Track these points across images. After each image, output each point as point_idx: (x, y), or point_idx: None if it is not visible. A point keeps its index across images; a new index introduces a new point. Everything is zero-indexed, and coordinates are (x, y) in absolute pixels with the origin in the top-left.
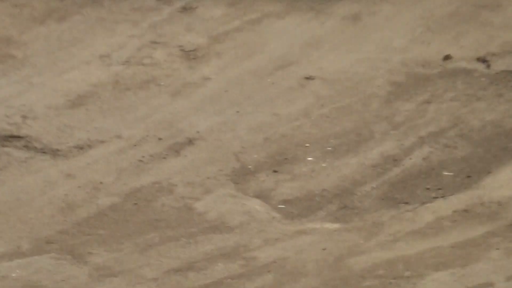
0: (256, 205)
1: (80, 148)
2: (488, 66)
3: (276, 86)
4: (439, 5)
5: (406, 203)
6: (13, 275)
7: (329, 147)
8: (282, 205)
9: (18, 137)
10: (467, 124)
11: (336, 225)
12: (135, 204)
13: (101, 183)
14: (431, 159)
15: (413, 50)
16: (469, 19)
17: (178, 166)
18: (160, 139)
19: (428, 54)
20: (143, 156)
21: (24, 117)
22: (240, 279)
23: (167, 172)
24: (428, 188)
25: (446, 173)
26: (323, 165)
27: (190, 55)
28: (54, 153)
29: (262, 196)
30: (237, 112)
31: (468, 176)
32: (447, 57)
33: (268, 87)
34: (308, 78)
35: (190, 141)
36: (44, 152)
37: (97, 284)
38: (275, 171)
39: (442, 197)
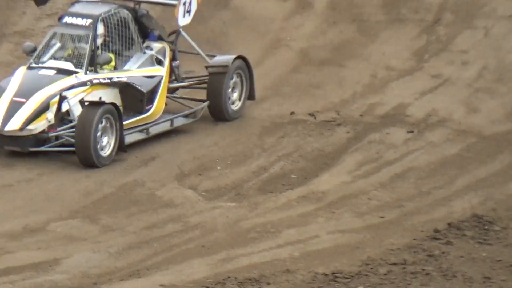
0: (189, 193)
1: None
2: (315, 118)
3: None
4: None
5: (271, 192)
6: (58, 230)
7: (229, 161)
8: (204, 193)
9: None
10: (304, 150)
11: (233, 204)
12: (124, 192)
13: (105, 180)
14: (285, 168)
15: (274, 110)
16: (304, 92)
17: (147, 171)
18: (136, 157)
19: (282, 111)
20: (127, 166)
21: None
22: (181, 233)
23: (141, 175)
24: (283, 184)
25: (293, 176)
26: (226, 171)
27: None
28: None
29: (193, 188)
30: (179, 142)
31: (305, 178)
32: (292, 113)
33: None
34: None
35: (153, 158)
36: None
37: (103, 235)
38: (199, 174)
39: (291, 189)
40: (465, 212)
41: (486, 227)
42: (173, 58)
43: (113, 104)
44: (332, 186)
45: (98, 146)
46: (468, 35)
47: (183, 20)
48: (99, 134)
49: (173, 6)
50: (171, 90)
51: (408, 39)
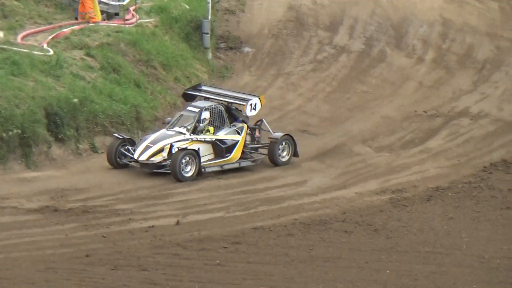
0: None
1: None
2: (426, 113)
3: None
4: None
5: (406, 148)
6: (305, 166)
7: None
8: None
9: None
10: (419, 129)
11: (388, 154)
12: (334, 150)
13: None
14: (412, 137)
15: None
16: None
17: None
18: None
19: None
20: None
21: None
22: (364, 168)
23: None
24: (411, 145)
25: (417, 141)
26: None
27: None
28: None
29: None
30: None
31: (421, 142)
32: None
33: None
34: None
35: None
36: None
37: (327, 169)
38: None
39: (415, 147)
40: (498, 158)
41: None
42: (257, 131)
43: (194, 150)
44: (434, 146)
45: (182, 171)
46: None
47: (250, 113)
48: (183, 165)
49: (243, 105)
50: (253, 149)
51: None
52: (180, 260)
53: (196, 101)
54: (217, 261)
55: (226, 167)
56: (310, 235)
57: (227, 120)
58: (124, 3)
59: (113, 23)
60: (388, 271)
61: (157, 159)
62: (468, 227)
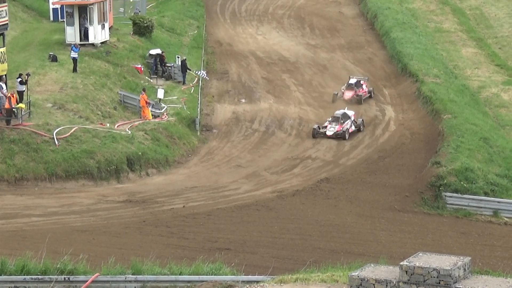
0: None
1: None
2: None
3: None
4: None
5: None
6: None
7: None
8: None
9: None
10: None
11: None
12: None
13: None
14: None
15: None
16: None
17: None
18: None
19: None
20: None
21: None
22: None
23: None
24: None
25: None
26: None
27: None
28: None
29: None
30: None
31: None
32: None
33: None
34: None
35: None
36: None
37: None
38: None
39: None
40: (324, 177)
41: None
42: None
43: None
44: (296, 171)
45: None
46: None
47: None
48: None
49: None
50: None
51: None
52: (184, 222)
53: None
54: (201, 223)
55: None
56: (244, 211)
57: None
58: (162, 111)
59: (156, 120)
60: (276, 227)
61: None
62: (312, 208)
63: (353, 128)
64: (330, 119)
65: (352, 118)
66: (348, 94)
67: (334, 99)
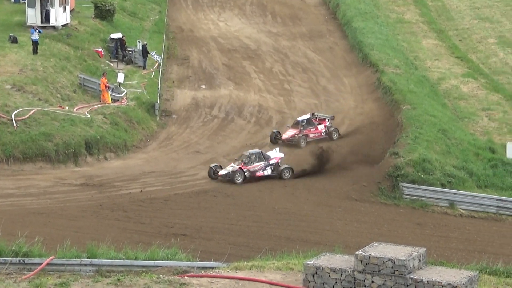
0: None
1: None
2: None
3: None
4: None
5: None
6: None
7: None
8: None
9: None
10: None
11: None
12: None
13: None
14: None
15: None
16: None
17: None
18: None
19: None
20: None
21: None
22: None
23: None
24: None
25: None
26: None
27: None
28: None
29: None
30: None
31: None
32: None
33: None
34: None
35: None
36: None
37: None
38: None
39: None
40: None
41: None
42: None
43: None
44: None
45: None
46: None
47: None
48: None
49: None
50: None
51: None
52: (141, 207)
53: None
54: (158, 208)
55: None
56: (201, 198)
57: None
58: (122, 95)
59: (116, 104)
60: (232, 214)
61: None
62: (269, 196)
63: (267, 172)
64: (240, 156)
65: (274, 161)
66: (288, 134)
67: (272, 139)
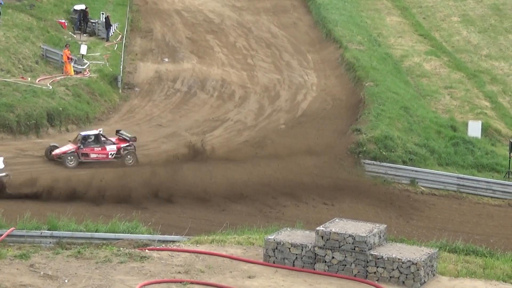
0: None
1: None
2: None
3: None
4: None
5: None
6: None
7: None
8: None
9: None
10: None
11: None
12: None
13: None
14: None
15: None
16: None
17: None
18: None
19: None
20: None
21: None
22: None
23: None
24: None
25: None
26: None
27: None
28: None
29: None
30: None
31: None
32: None
33: None
34: None
35: None
36: None
37: None
38: None
39: None
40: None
41: None
42: None
43: None
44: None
45: None
46: None
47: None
48: None
49: None
50: None
51: None
52: (101, 181)
53: None
54: (119, 181)
55: None
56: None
57: None
58: (84, 67)
59: (78, 76)
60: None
61: None
62: (232, 170)
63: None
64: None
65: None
66: (61, 149)
67: (47, 153)
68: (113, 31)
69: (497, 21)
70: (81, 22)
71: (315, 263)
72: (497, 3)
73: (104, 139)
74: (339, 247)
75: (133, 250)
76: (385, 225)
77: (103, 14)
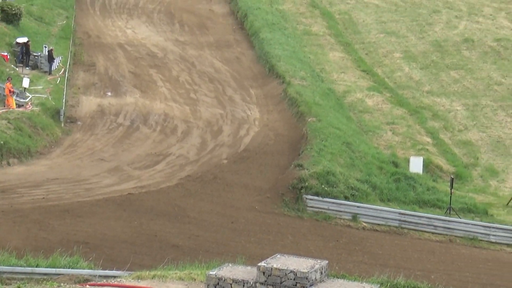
0: None
1: None
2: None
3: None
4: None
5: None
6: None
7: None
8: None
9: None
10: None
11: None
12: None
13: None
14: None
15: None
16: None
17: None
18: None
19: None
20: None
21: None
22: None
23: None
24: None
25: None
26: None
27: None
28: None
29: None
30: None
31: None
32: None
33: None
34: None
35: None
36: None
37: None
38: None
39: None
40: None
41: None
42: None
43: None
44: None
45: None
46: None
47: None
48: None
49: None
50: None
51: None
52: (44, 214)
53: None
54: (61, 216)
55: None
56: (105, 206)
57: None
58: (27, 100)
59: (20, 110)
60: (135, 222)
61: None
62: (173, 205)
63: None
64: None
65: None
66: None
67: None
68: (57, 64)
69: (438, 57)
70: (24, 55)
71: None
72: (439, 40)
73: None
74: (281, 283)
75: (74, 285)
76: (327, 261)
77: (45, 47)
